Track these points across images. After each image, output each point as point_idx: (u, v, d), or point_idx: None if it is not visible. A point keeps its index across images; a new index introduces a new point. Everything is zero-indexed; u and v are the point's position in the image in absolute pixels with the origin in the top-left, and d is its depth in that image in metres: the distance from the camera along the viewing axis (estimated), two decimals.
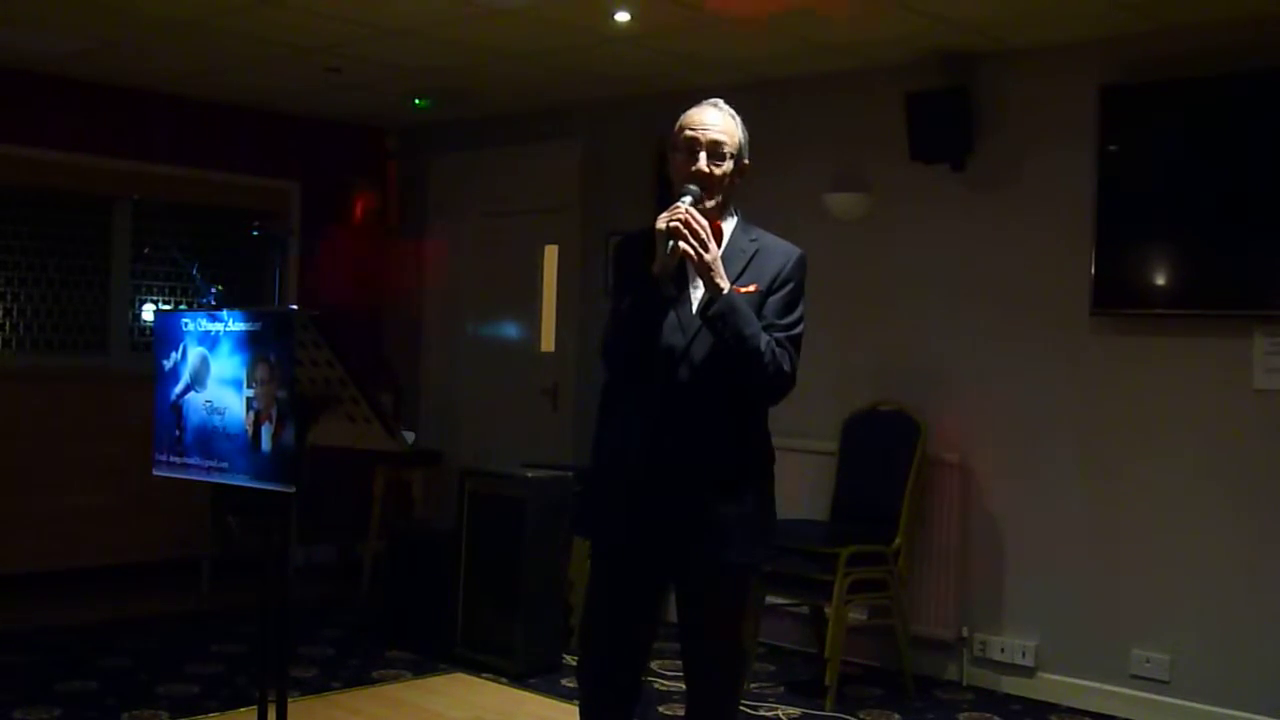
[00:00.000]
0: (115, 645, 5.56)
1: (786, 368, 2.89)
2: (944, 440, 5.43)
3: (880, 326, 5.73)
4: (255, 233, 7.17)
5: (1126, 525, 5.03)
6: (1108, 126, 5.00)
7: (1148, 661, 4.95)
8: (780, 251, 3.01)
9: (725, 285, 2.84)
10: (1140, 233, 4.96)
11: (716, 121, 2.97)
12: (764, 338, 2.85)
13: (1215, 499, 4.83)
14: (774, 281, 2.95)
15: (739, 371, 2.87)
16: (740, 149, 2.99)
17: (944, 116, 5.35)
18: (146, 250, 7.03)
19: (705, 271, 2.84)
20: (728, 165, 2.96)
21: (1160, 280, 4.96)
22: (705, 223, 2.85)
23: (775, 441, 3.07)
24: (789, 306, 2.96)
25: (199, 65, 6.26)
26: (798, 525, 5.26)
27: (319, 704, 4.80)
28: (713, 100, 3.03)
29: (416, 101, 6.92)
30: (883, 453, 5.40)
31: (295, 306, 4.40)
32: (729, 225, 3.03)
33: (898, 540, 5.19)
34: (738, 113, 3.04)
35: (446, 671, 5.32)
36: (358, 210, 7.68)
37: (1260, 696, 4.67)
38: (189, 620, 6.09)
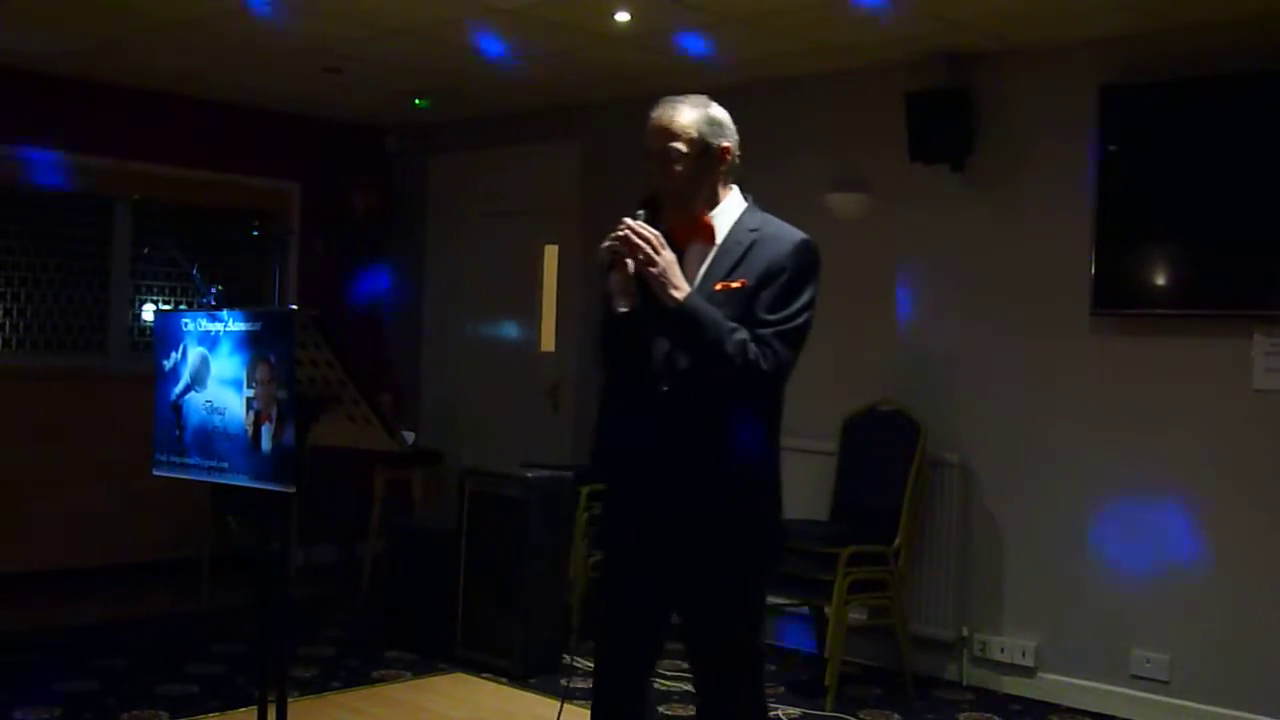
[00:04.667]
0: (115, 645, 5.56)
1: (764, 365, 2.78)
2: (944, 440, 5.43)
3: (880, 326, 5.73)
4: (255, 233, 7.17)
5: (1126, 525, 5.02)
6: (1108, 126, 5.00)
7: (1148, 661, 4.95)
8: (777, 241, 2.87)
9: (678, 295, 2.77)
10: (1140, 233, 4.96)
11: (660, 120, 2.89)
12: (733, 339, 2.76)
13: (1215, 499, 4.83)
14: (765, 274, 2.84)
15: (710, 373, 2.80)
16: (701, 137, 2.88)
17: (944, 116, 5.35)
18: (146, 250, 7.02)
19: (655, 283, 2.79)
20: (687, 162, 2.87)
21: (1160, 280, 4.96)
22: (653, 234, 2.80)
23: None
24: (781, 298, 2.82)
25: (199, 65, 6.26)
26: (798, 525, 5.26)
27: (319, 704, 4.81)
28: (668, 99, 2.93)
29: (416, 101, 6.92)
30: (883, 453, 5.40)
31: (295, 306, 4.40)
32: (726, 218, 2.94)
33: (898, 540, 5.19)
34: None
35: (446, 671, 5.32)
36: (358, 210, 7.68)
37: (1260, 696, 4.67)
38: (189, 620, 6.09)
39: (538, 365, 7.24)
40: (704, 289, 2.85)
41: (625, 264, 2.83)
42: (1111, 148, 4.99)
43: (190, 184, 7.11)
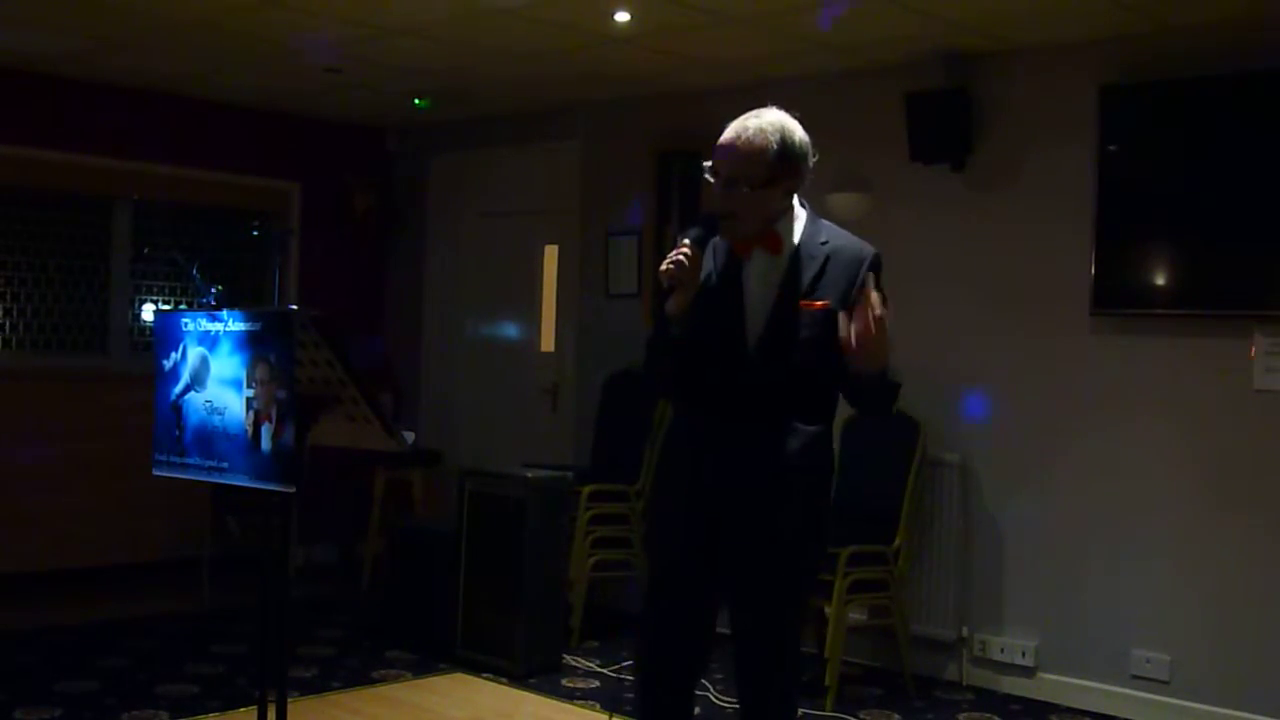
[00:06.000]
0: (115, 645, 5.56)
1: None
2: (944, 440, 5.43)
3: None
4: (255, 233, 7.18)
5: (1126, 525, 5.03)
6: (1108, 126, 5.00)
7: (1148, 661, 4.95)
8: (851, 257, 2.87)
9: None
10: (1140, 233, 4.96)
11: (733, 146, 2.85)
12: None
13: (1215, 499, 4.83)
14: (847, 295, 2.84)
15: (877, 398, 2.88)
16: (770, 169, 2.83)
17: (944, 116, 5.35)
18: (146, 250, 7.03)
19: (878, 350, 2.75)
20: (754, 193, 2.83)
21: (1160, 280, 4.96)
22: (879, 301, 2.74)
23: None
24: None
25: (199, 65, 6.26)
26: None
27: (319, 704, 4.81)
28: (743, 120, 2.88)
29: (416, 101, 6.92)
30: (883, 453, 5.40)
31: (295, 306, 4.40)
32: (790, 227, 2.92)
33: (898, 540, 5.19)
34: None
35: (446, 671, 5.32)
36: (358, 210, 7.68)
37: (1260, 696, 4.68)
38: (189, 620, 6.09)
39: (538, 365, 7.24)
40: (785, 304, 2.86)
41: (684, 287, 2.81)
42: (1111, 148, 5.00)
43: (190, 184, 7.11)
